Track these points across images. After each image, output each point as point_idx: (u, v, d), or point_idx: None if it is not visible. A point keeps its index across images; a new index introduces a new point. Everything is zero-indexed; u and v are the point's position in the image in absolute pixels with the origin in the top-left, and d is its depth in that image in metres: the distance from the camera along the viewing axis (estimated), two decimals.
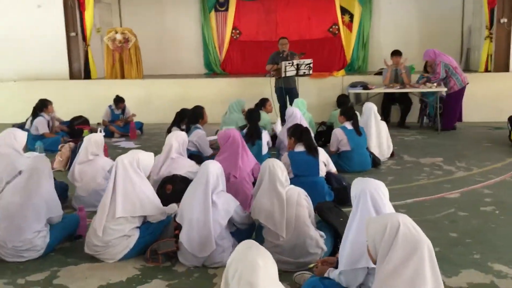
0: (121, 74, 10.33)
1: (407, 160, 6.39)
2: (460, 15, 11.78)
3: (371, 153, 6.05)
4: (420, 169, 5.95)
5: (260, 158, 5.74)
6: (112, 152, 7.02)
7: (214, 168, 3.48)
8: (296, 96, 8.42)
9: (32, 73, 10.60)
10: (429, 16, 11.80)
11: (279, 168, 3.48)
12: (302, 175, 4.61)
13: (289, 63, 7.96)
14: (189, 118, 6.21)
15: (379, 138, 6.41)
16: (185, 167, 4.53)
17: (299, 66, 8.01)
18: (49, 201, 3.61)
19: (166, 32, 12.85)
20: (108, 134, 8.22)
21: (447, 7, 11.71)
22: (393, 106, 8.98)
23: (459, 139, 7.61)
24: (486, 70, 9.91)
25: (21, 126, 7.67)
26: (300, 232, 3.35)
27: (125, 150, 7.25)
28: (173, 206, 3.82)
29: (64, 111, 8.54)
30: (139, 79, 10.41)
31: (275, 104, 8.45)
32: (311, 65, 8.09)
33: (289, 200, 3.38)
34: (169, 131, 6.37)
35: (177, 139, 4.61)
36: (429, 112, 8.52)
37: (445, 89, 7.95)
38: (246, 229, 3.66)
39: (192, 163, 4.69)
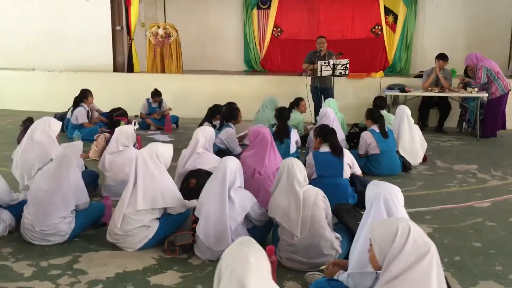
0: (161, 68, 10.57)
1: (440, 166, 6.23)
2: (509, 20, 11.32)
3: (402, 157, 5.94)
4: (452, 175, 5.79)
5: (287, 156, 5.71)
6: (146, 144, 7.14)
7: (232, 164, 3.53)
8: (332, 96, 8.35)
9: (79, 65, 11.00)
10: (477, 19, 11.40)
11: (298, 168, 3.49)
12: (325, 175, 4.59)
13: (325, 63, 7.91)
14: (224, 115, 6.28)
15: (412, 142, 6.29)
16: (210, 162, 4.59)
17: (335, 66, 7.94)
18: (76, 188, 3.76)
19: (208, 28, 13.03)
20: (144, 127, 8.47)
21: (496, 11, 11.29)
22: (432, 110, 8.76)
23: (498, 147, 7.34)
24: None
25: (63, 115, 8.00)
26: (315, 233, 3.35)
27: None
28: (194, 202, 3.89)
29: (106, 103, 8.81)
30: (178, 74, 10.60)
31: (310, 104, 8.43)
32: (348, 65, 8.00)
33: (306, 200, 3.38)
34: (201, 126, 6.46)
35: (204, 134, 4.68)
36: (469, 117, 8.25)
37: (486, 95, 7.67)
38: (263, 227, 3.69)
39: (217, 158, 4.72)
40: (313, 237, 3.35)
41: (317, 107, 8.34)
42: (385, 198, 2.68)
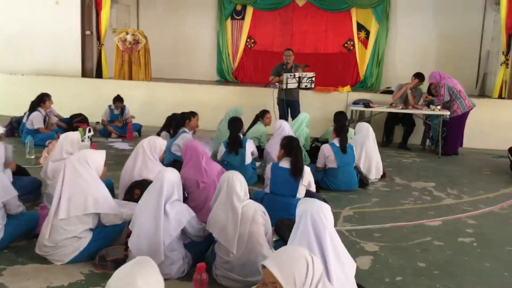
0: (129, 75, 10.39)
1: (398, 183, 6.19)
2: (479, 39, 11.50)
3: (360, 173, 5.88)
4: (408, 193, 5.74)
5: (243, 168, 5.65)
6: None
7: (170, 176, 3.39)
8: (298, 108, 8.31)
9: (46, 68, 10.76)
10: (447, 38, 11.56)
11: (238, 181, 3.37)
12: (278, 193, 4.45)
13: (290, 75, 7.87)
14: (177, 121, 6.15)
15: (376, 157, 6.26)
16: (155, 172, 4.43)
17: (301, 79, 7.90)
18: None
19: (182, 37, 12.94)
20: (106, 134, 8.30)
21: (466, 30, 11.46)
22: (397, 127, 8.77)
23: (458, 165, 7.35)
24: (500, 97, 9.62)
25: (20, 119, 7.77)
26: (252, 250, 3.23)
27: (118, 151, 7.34)
28: (131, 207, 3.74)
29: (72, 108, 8.63)
30: (146, 81, 10.44)
31: (276, 116, 8.38)
32: (313, 78, 7.96)
33: (244, 216, 3.26)
34: (158, 135, 6.31)
35: (150, 142, 4.53)
36: (433, 135, 8.29)
37: (448, 113, 7.71)
38: (202, 242, 3.55)
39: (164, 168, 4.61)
40: (250, 254, 3.23)
41: (283, 119, 8.27)
42: (312, 215, 2.61)
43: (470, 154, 8.06)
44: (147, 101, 9.87)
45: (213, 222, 3.34)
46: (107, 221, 3.57)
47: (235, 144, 5.67)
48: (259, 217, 3.30)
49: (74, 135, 4.64)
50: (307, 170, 4.53)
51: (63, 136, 4.64)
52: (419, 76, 8.27)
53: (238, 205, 3.29)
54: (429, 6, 11.68)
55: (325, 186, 5.68)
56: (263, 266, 1.94)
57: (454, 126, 7.80)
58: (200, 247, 3.55)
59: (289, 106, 8.36)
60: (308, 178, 4.51)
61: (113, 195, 4.62)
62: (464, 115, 7.77)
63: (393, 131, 8.71)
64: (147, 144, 4.51)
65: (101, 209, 3.50)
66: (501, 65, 9.69)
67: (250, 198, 4.70)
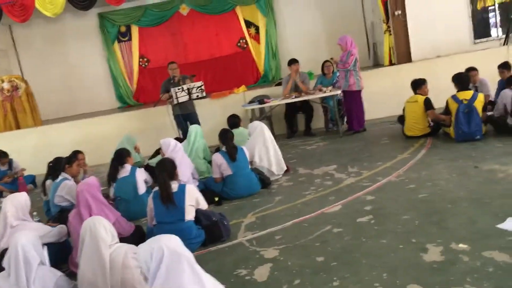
0: (16, 124, 9.68)
1: (301, 174, 6.10)
2: (361, 12, 11.81)
3: (260, 173, 5.73)
4: (311, 182, 5.65)
5: (137, 199, 5.35)
6: None
7: (26, 240, 3.01)
8: (196, 120, 8.09)
9: None
10: (332, 17, 11.78)
11: (102, 227, 3.08)
12: (165, 222, 4.18)
13: (178, 89, 7.62)
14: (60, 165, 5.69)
15: (276, 153, 6.14)
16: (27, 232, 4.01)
17: (190, 90, 7.67)
18: None
19: (71, 70, 12.34)
20: None
21: (348, 6, 11.73)
22: (299, 115, 8.76)
23: (359, 140, 7.40)
24: (391, 63, 9.91)
25: None
26: None
27: None
28: None
29: None
30: (36, 126, 9.78)
31: (176, 132, 8.13)
32: (203, 87, 7.75)
33: (113, 264, 2.98)
34: (43, 185, 5.85)
35: (13, 203, 4.09)
36: (331, 116, 8.35)
37: (339, 92, 7.76)
38: None
39: (39, 225, 4.20)
40: None
41: (185, 134, 8.03)
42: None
43: (371, 126, 8.16)
44: (40, 148, 9.22)
45: (82, 278, 3.02)
46: None
47: (113, 173, 5.40)
48: (130, 261, 3.01)
49: None
50: (190, 188, 4.31)
51: None
52: (292, 62, 8.28)
53: (106, 252, 3.00)
54: None
55: (227, 195, 5.49)
56: None
57: (353, 102, 7.77)
58: None
59: (187, 120, 8.12)
60: (193, 196, 4.28)
61: None
62: (358, 94, 7.77)
63: (294, 121, 8.69)
64: (10, 205, 4.06)
65: None
66: (384, 33, 9.98)
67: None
